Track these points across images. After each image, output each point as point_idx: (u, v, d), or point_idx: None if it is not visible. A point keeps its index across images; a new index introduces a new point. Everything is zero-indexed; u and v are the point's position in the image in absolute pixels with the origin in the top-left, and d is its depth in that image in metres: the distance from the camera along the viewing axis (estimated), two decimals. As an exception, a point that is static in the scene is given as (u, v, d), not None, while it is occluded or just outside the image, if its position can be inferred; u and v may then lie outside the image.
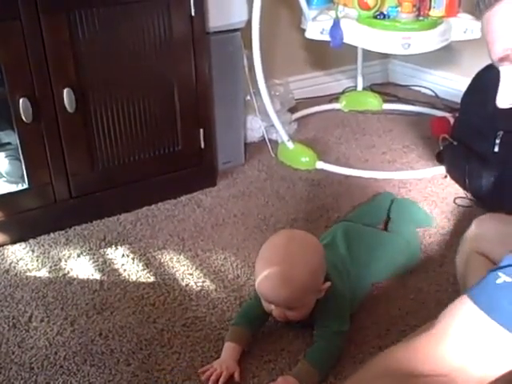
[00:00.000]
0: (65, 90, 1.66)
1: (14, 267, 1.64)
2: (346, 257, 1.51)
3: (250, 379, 1.32)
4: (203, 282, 1.59)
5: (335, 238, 1.57)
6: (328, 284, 1.35)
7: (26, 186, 1.71)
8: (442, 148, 2.02)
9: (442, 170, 2.01)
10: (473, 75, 1.95)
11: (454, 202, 1.88)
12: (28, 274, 1.62)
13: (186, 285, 1.58)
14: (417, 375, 0.93)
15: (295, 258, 1.31)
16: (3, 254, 1.69)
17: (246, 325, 1.39)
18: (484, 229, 1.46)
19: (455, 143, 1.93)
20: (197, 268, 1.64)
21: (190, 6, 1.78)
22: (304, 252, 1.33)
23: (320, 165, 2.07)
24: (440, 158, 2.05)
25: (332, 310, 1.37)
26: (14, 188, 1.72)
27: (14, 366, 1.35)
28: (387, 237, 1.67)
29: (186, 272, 1.63)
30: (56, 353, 1.38)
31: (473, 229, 1.50)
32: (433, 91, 2.64)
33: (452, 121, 2.10)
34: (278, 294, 1.29)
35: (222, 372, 1.30)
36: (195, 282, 1.59)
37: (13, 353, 1.38)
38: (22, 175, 1.71)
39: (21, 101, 1.60)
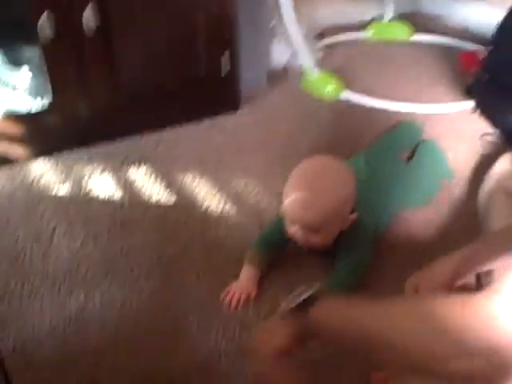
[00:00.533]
0: (87, 7, 1.62)
1: (37, 182, 1.65)
2: (367, 184, 1.49)
3: (265, 302, 1.34)
4: (224, 205, 1.60)
5: (357, 165, 1.57)
6: (354, 216, 1.37)
7: (49, 101, 1.71)
8: (471, 82, 1.97)
9: (470, 105, 1.97)
10: (507, 8, 1.88)
11: (481, 138, 1.85)
12: (51, 189, 1.63)
13: (207, 207, 1.59)
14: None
15: (327, 184, 1.34)
16: (26, 169, 1.70)
17: (266, 249, 1.41)
18: (510, 167, 1.45)
19: (486, 78, 1.89)
20: (218, 191, 1.65)
21: None
22: (336, 180, 1.36)
23: (345, 95, 2.04)
24: (469, 93, 2.00)
25: (356, 241, 1.38)
26: (37, 103, 1.72)
27: (38, 276, 1.38)
28: (410, 168, 1.66)
29: (207, 195, 1.63)
30: (78, 266, 1.41)
31: (499, 166, 1.49)
32: (464, 23, 2.55)
33: (483, 55, 2.04)
34: (304, 213, 1.32)
35: (240, 295, 1.33)
36: (216, 205, 1.60)
37: (37, 264, 1.41)
38: (46, 89, 1.70)
39: (44, 15, 1.57)
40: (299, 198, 1.32)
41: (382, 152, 1.68)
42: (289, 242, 1.41)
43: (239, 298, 1.33)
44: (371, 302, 0.91)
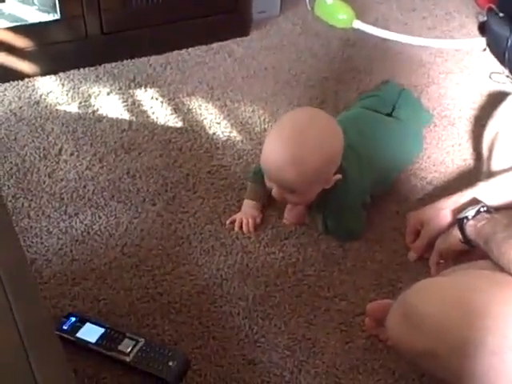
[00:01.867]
0: None
1: (45, 99, 1.65)
2: (358, 141, 1.37)
3: (267, 229, 1.38)
4: (230, 132, 1.61)
5: (346, 122, 1.39)
6: (338, 176, 1.27)
7: (57, 16, 1.68)
8: (485, 18, 1.94)
9: (482, 42, 1.94)
10: None
11: (490, 77, 1.83)
12: (58, 107, 1.63)
13: (213, 133, 1.60)
14: None
15: (311, 140, 1.21)
16: (33, 85, 1.69)
17: (261, 183, 1.36)
18: (517, 107, 1.45)
19: (501, 15, 1.85)
20: (224, 118, 1.65)
21: None
22: (322, 136, 1.23)
23: (357, 24, 2.00)
24: (482, 30, 1.97)
25: (340, 203, 1.32)
26: (45, 17, 1.69)
27: (45, 195, 1.40)
28: (398, 124, 1.52)
29: (214, 121, 1.63)
30: (85, 186, 1.43)
31: (505, 106, 1.48)
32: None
33: (501, -10, 2.00)
34: (282, 173, 1.22)
35: (247, 220, 1.36)
36: (222, 132, 1.60)
37: (44, 182, 1.43)
38: (54, 4, 1.66)
39: None
40: (275, 155, 1.22)
41: (368, 112, 1.52)
42: None
43: (247, 223, 1.35)
44: None
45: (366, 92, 1.69)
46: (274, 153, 1.23)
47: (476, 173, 1.51)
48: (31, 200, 1.39)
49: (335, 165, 1.26)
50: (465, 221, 1.18)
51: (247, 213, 1.38)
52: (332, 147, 1.24)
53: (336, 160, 1.26)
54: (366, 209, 1.38)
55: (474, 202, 1.23)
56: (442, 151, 1.60)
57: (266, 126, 1.63)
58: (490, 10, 1.91)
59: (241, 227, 1.36)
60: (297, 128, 1.24)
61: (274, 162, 1.23)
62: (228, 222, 1.38)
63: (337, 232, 1.36)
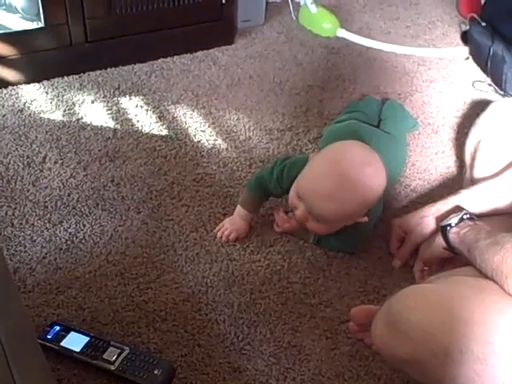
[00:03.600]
0: None
1: (28, 107, 1.64)
2: None
3: (253, 237, 1.38)
4: (215, 140, 1.61)
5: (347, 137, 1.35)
6: (365, 219, 1.27)
7: (41, 24, 1.67)
8: (468, 28, 1.96)
9: (465, 51, 1.96)
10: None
11: (473, 85, 1.85)
12: (42, 115, 1.62)
13: (198, 141, 1.60)
14: None
15: (360, 185, 1.21)
16: (17, 93, 1.68)
17: (260, 195, 1.37)
18: (499, 114, 1.46)
19: (483, 24, 1.88)
20: (209, 126, 1.65)
21: None
22: (371, 183, 1.23)
23: (341, 33, 2.02)
24: (465, 39, 1.99)
25: (354, 238, 1.33)
26: (29, 25, 1.68)
27: (29, 203, 1.39)
28: (390, 137, 1.52)
29: (199, 129, 1.64)
30: (69, 194, 1.42)
31: (487, 114, 1.50)
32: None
33: (483, 0, 2.02)
34: (320, 203, 1.21)
35: (231, 232, 1.35)
36: (207, 140, 1.61)
37: (27, 190, 1.42)
38: (38, 12, 1.66)
39: None
40: (324, 186, 1.20)
41: (364, 125, 1.50)
42: (282, 195, 1.38)
43: (229, 235, 1.35)
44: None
45: (348, 107, 1.68)
46: (322, 183, 1.21)
47: (459, 180, 1.52)
48: (15, 208, 1.38)
49: (370, 207, 1.27)
50: (448, 228, 1.19)
51: (236, 224, 1.36)
52: (376, 192, 1.25)
53: (374, 203, 1.27)
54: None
55: (457, 209, 1.24)
56: (426, 159, 1.61)
57: (251, 133, 1.64)
58: (472, 19, 1.93)
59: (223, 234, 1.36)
60: (353, 167, 1.21)
61: (317, 191, 1.21)
62: (217, 228, 1.38)
63: (334, 248, 1.36)
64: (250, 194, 1.37)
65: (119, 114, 1.66)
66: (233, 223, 1.37)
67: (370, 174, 1.22)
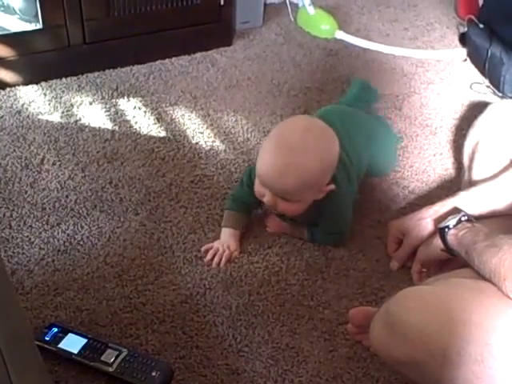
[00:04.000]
0: None
1: (26, 109, 1.64)
2: (347, 145, 1.35)
3: (251, 238, 1.37)
4: (213, 141, 1.61)
5: (333, 124, 1.32)
6: (332, 187, 1.27)
7: (39, 26, 1.67)
8: (466, 30, 1.96)
9: (463, 53, 1.97)
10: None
11: (471, 87, 1.86)
12: (40, 117, 1.62)
13: (196, 143, 1.60)
14: None
15: (308, 149, 1.21)
16: (15, 95, 1.68)
17: (240, 210, 1.36)
18: (497, 116, 1.46)
19: (481, 26, 1.88)
20: (207, 127, 1.65)
21: None
22: (318, 145, 1.23)
23: (339, 35, 2.02)
24: (463, 41, 2.00)
25: (333, 214, 1.33)
26: (27, 27, 1.68)
27: (27, 204, 1.39)
28: (378, 123, 1.57)
29: (197, 130, 1.64)
30: (67, 196, 1.42)
31: (485, 115, 1.50)
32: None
33: (481, 2, 2.03)
34: (278, 179, 1.22)
35: (224, 251, 1.32)
36: (205, 141, 1.61)
37: (25, 192, 1.42)
38: (36, 14, 1.66)
39: None
40: (275, 161, 1.22)
41: (351, 111, 1.52)
42: (260, 204, 1.35)
43: (221, 253, 1.31)
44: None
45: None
46: (273, 159, 1.23)
47: (457, 182, 1.52)
48: (13, 210, 1.38)
49: (330, 174, 1.27)
50: (446, 230, 1.19)
51: (226, 242, 1.34)
52: (329, 155, 1.25)
53: (332, 169, 1.26)
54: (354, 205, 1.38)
55: (455, 211, 1.24)
56: (424, 160, 1.61)
57: (249, 135, 1.64)
58: (470, 21, 1.93)
59: (213, 258, 1.31)
60: (295, 135, 1.23)
61: (271, 168, 1.22)
62: (203, 248, 1.34)
63: (325, 240, 1.36)
64: (229, 209, 1.36)
65: (117, 116, 1.66)
66: (222, 243, 1.33)
67: (313, 137, 1.23)
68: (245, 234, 1.37)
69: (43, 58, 1.72)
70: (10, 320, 0.73)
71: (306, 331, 1.21)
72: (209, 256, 1.32)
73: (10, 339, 0.70)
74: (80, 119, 1.63)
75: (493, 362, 0.91)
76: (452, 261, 1.22)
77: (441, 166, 1.60)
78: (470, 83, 1.87)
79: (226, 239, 1.34)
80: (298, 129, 1.25)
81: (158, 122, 1.65)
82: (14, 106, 1.64)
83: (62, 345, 1.13)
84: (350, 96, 1.65)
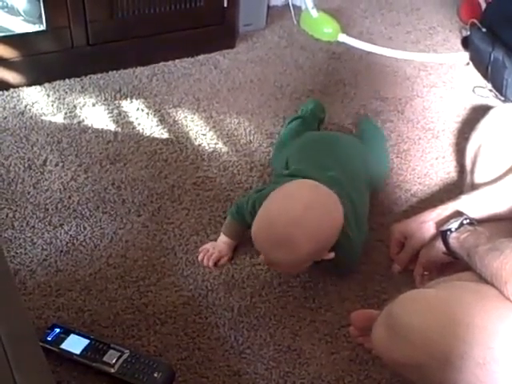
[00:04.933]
0: None
1: (30, 110, 1.65)
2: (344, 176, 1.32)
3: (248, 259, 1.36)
4: (216, 143, 1.61)
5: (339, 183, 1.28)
6: (331, 255, 1.21)
7: (43, 27, 1.68)
8: (468, 33, 1.97)
9: (465, 56, 1.97)
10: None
11: (473, 91, 1.86)
12: (43, 118, 1.63)
13: (199, 145, 1.60)
14: None
15: (307, 229, 1.15)
16: (18, 96, 1.68)
17: (241, 222, 1.33)
18: (500, 119, 1.46)
19: (484, 30, 1.88)
20: (210, 129, 1.65)
21: None
22: (319, 225, 1.17)
23: (342, 38, 2.02)
24: (465, 44, 2.00)
25: (345, 261, 1.28)
26: (31, 28, 1.69)
27: (30, 205, 1.40)
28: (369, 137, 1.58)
29: (200, 132, 1.64)
30: (70, 197, 1.43)
31: (488, 118, 1.50)
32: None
33: (484, 5, 2.03)
34: (270, 251, 1.18)
35: (212, 253, 1.32)
36: (208, 143, 1.61)
37: (28, 193, 1.42)
38: (40, 15, 1.66)
39: None
40: (270, 234, 1.17)
41: (321, 134, 1.55)
42: None
43: (211, 254, 1.31)
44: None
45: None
46: (268, 231, 1.18)
47: (459, 185, 1.52)
48: (15, 210, 1.38)
49: (329, 247, 1.21)
50: (448, 233, 1.19)
51: (219, 246, 1.33)
52: (329, 234, 1.19)
53: (330, 242, 1.20)
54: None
55: (458, 214, 1.24)
56: (426, 164, 1.61)
57: (252, 137, 1.64)
58: (472, 24, 1.94)
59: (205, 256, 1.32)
60: (296, 211, 1.16)
61: (266, 240, 1.19)
62: (200, 249, 1.34)
63: (338, 272, 1.33)
64: (230, 219, 1.34)
65: (120, 117, 1.66)
66: (215, 245, 1.33)
67: (314, 216, 1.17)
68: (246, 235, 1.37)
69: (47, 60, 1.72)
70: (14, 320, 0.73)
71: (308, 333, 1.21)
72: (200, 256, 1.33)
73: (13, 339, 0.70)
74: (83, 120, 1.63)
75: (495, 366, 0.91)
76: (454, 264, 1.22)
77: (443, 170, 1.60)
78: (472, 87, 1.87)
79: (221, 244, 1.34)
80: (300, 204, 1.18)
81: (161, 123, 1.66)
82: (18, 107, 1.65)
83: (64, 345, 1.13)
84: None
